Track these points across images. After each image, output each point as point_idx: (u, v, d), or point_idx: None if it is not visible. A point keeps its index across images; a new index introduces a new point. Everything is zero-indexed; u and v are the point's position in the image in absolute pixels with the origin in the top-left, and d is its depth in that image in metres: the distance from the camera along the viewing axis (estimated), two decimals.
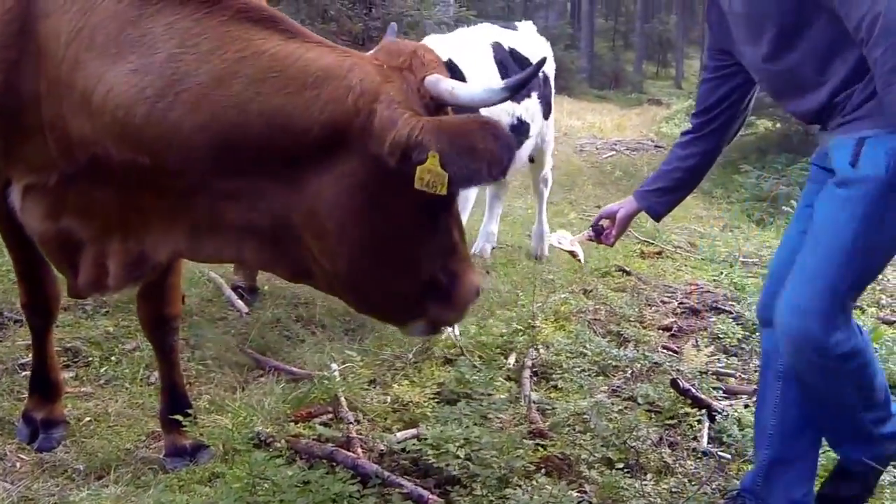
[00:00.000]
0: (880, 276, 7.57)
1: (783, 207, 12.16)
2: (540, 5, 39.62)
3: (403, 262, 3.51)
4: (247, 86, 3.18)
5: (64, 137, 3.52)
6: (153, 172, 3.38)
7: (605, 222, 4.97)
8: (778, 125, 16.03)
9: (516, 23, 9.04)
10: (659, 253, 10.11)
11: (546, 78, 8.72)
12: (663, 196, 4.86)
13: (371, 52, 3.68)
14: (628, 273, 9.03)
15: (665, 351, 6.87)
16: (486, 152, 3.12)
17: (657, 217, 4.99)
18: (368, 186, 3.27)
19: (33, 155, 3.69)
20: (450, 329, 6.34)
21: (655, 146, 19.94)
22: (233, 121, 3.19)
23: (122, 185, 3.53)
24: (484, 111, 3.83)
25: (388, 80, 3.26)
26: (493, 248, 9.83)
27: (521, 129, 7.76)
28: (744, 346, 7.17)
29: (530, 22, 9.36)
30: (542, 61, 3.44)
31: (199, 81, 3.19)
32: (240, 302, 7.27)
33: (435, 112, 3.33)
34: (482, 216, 9.56)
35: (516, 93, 3.39)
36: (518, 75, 3.39)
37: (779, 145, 15.94)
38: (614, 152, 19.05)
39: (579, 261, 5.21)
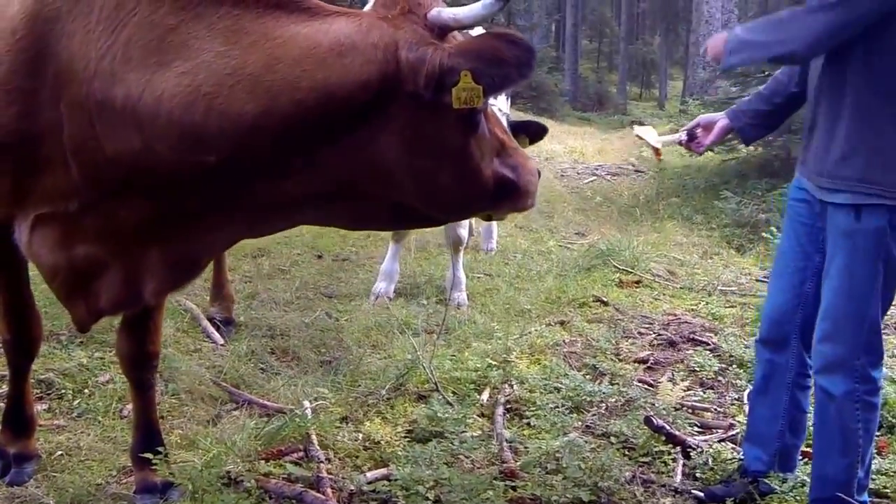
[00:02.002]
0: None
1: (763, 234, 12.11)
2: (524, 28, 39.59)
3: (469, 173, 3.71)
4: (292, 67, 3.37)
5: (92, 161, 3.55)
6: (215, 171, 3.49)
7: (699, 131, 5.19)
8: (759, 149, 16.01)
9: None
10: (638, 282, 10.02)
11: None
12: (756, 119, 5.08)
13: (368, 7, 3.95)
14: (606, 303, 8.95)
15: (641, 384, 6.81)
16: (513, 58, 3.42)
17: (747, 141, 5.47)
18: (417, 126, 3.53)
19: (50, 186, 3.71)
20: (424, 362, 6.35)
21: (636, 171, 19.90)
22: (288, 100, 3.35)
23: (166, 195, 3.61)
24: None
25: (399, 28, 3.48)
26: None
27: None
28: (720, 378, 7.12)
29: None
30: None
31: (250, 72, 3.35)
32: (216, 333, 7.25)
33: (444, 41, 3.54)
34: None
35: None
36: None
37: (760, 170, 15.95)
38: (595, 177, 19.03)
39: (659, 159, 5.57)
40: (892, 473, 5.42)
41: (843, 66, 4.34)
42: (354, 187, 3.64)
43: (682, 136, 5.21)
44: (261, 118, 3.34)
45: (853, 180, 4.31)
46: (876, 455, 5.20)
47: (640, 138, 5.34)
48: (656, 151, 5.24)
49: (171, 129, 3.37)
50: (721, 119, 5.10)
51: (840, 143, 4.36)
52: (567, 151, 21.86)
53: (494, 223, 10.98)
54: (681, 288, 10.04)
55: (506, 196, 3.90)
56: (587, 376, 6.86)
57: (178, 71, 3.35)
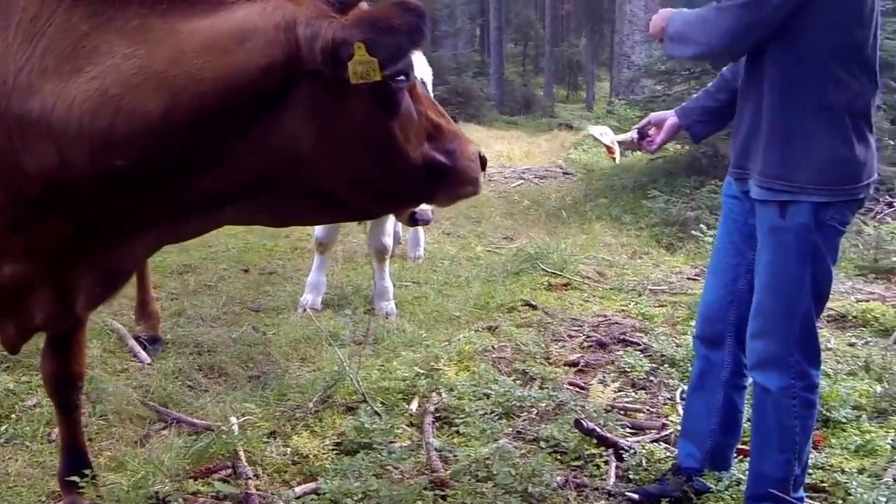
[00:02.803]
0: None
1: (692, 232, 12.16)
2: (447, 34, 39.63)
3: (393, 158, 3.61)
4: (194, 59, 3.26)
5: (13, 177, 3.45)
6: (129, 176, 3.39)
7: (651, 129, 5.22)
8: (686, 148, 16.08)
9: None
10: (566, 284, 9.98)
11: (424, 83, 8.93)
12: (704, 116, 5.09)
13: None
14: (534, 307, 8.92)
15: (571, 388, 6.77)
16: (403, 25, 3.27)
17: (696, 138, 5.33)
18: (329, 108, 3.43)
19: None
20: (352, 374, 6.32)
21: (564, 173, 19.92)
22: (192, 94, 3.25)
23: (87, 207, 3.52)
24: None
25: (300, 4, 3.38)
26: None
27: None
28: (652, 378, 7.11)
29: None
30: None
31: (154, 70, 3.25)
32: (142, 352, 7.19)
33: (348, 15, 3.44)
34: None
35: None
36: None
37: (688, 168, 15.98)
38: (522, 181, 19.01)
39: (614, 158, 5.35)
40: (828, 468, 5.46)
41: (761, 66, 4.37)
42: (274, 178, 3.56)
43: (634, 134, 5.23)
44: (166, 115, 3.26)
45: (777, 178, 4.34)
46: (813, 449, 5.21)
47: (594, 137, 5.33)
48: (609, 150, 5.24)
49: (82, 137, 3.28)
50: (671, 117, 5.13)
51: (763, 142, 4.39)
52: (494, 156, 21.84)
53: (421, 231, 10.98)
54: (610, 289, 10.01)
55: (441, 182, 3.82)
56: (517, 381, 6.82)
57: (88, 76, 3.27)
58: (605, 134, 5.25)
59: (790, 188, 4.30)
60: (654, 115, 5.24)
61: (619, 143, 5.28)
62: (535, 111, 43.17)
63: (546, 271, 10.37)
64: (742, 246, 4.72)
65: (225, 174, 3.47)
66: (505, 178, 19.36)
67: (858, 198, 4.42)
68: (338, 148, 3.49)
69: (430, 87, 9.29)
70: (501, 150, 23.27)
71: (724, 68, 5.12)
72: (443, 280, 10.11)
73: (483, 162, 3.97)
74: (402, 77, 3.48)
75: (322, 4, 3.40)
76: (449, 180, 3.82)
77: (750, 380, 4.87)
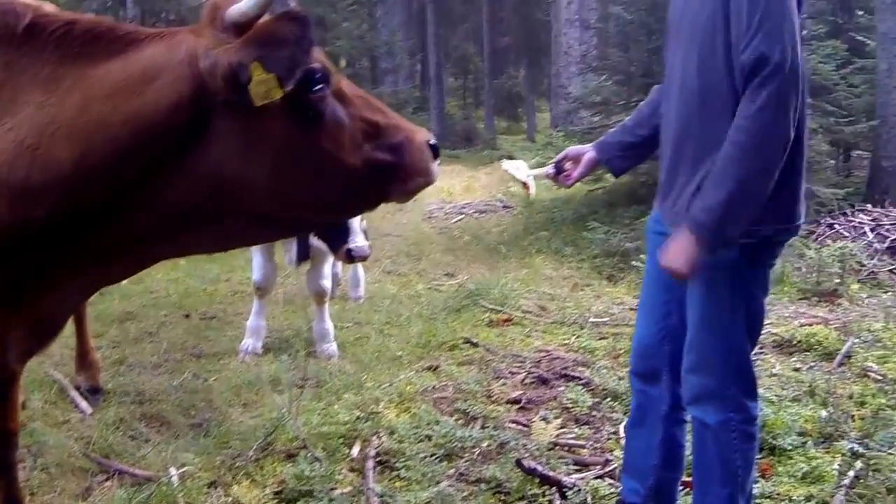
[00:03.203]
0: None
1: (633, 262, 12.22)
2: (387, 70, 39.65)
3: (328, 168, 3.57)
4: (104, 103, 3.24)
5: None
6: (51, 224, 3.33)
7: (567, 164, 5.11)
8: (625, 178, 16.16)
9: None
10: (508, 320, 9.99)
11: None
12: (623, 151, 5.02)
13: None
14: (475, 345, 8.91)
15: (514, 426, 6.76)
16: (289, 34, 3.27)
17: (616, 173, 5.28)
18: (248, 132, 3.37)
19: None
20: (291, 420, 6.28)
21: (504, 207, 19.93)
22: (104, 139, 3.23)
23: (14, 258, 3.44)
24: None
25: (201, 36, 3.36)
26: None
27: None
28: (595, 413, 7.09)
29: None
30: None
31: (66, 117, 3.22)
32: (83, 402, 7.11)
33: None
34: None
35: None
36: None
37: (628, 197, 16.08)
38: (463, 216, 19.04)
39: (529, 194, 5.26)
40: (775, 496, 5.51)
41: (690, 108, 4.33)
42: (206, 209, 3.50)
43: (550, 169, 5.15)
44: (81, 162, 3.23)
45: None
46: (759, 478, 5.24)
47: (509, 173, 5.27)
48: (525, 186, 5.14)
49: (1, 188, 3.26)
50: (589, 151, 5.05)
51: (689, 181, 4.33)
52: (434, 192, 21.86)
53: (361, 271, 10.96)
54: (552, 323, 10.01)
55: (391, 181, 3.74)
56: (459, 421, 6.80)
57: (6, 128, 3.25)
58: (519, 169, 5.18)
59: None
60: (570, 150, 5.16)
61: (535, 177, 5.23)
62: (476, 144, 43.18)
63: (487, 307, 10.37)
64: (671, 281, 4.57)
65: (151, 212, 3.43)
66: (445, 213, 19.39)
67: (791, 233, 4.42)
68: (268, 171, 3.43)
69: None
70: (442, 185, 23.21)
71: (642, 103, 5.10)
72: (384, 320, 10.09)
73: (435, 150, 3.86)
74: (320, 85, 3.44)
75: (219, 32, 3.37)
76: (399, 176, 3.74)
77: (689, 414, 4.84)
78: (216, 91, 3.26)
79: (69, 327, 6.38)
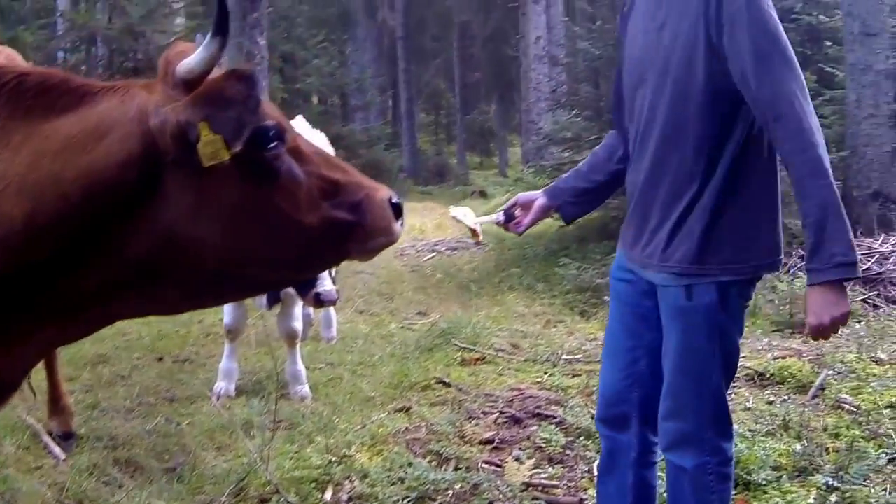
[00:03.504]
0: None
1: (605, 298, 12.24)
2: (358, 107, 39.73)
3: (283, 227, 3.51)
4: (55, 160, 3.19)
5: None
6: (2, 282, 3.30)
7: (517, 211, 4.94)
8: (595, 213, 16.21)
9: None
10: (480, 358, 10.01)
11: None
12: (576, 197, 4.90)
13: None
14: (448, 385, 8.91)
15: (487, 466, 6.76)
16: (235, 94, 3.20)
17: (567, 219, 5.14)
18: (200, 191, 3.31)
19: None
20: (263, 466, 6.26)
21: (476, 244, 19.95)
22: (55, 195, 3.18)
23: None
24: None
25: (153, 93, 3.33)
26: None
27: None
28: (568, 451, 7.09)
29: (301, 116, 9.98)
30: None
31: (16, 172, 3.18)
32: (56, 448, 7.05)
33: None
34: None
35: (223, 32, 3.32)
36: (214, 18, 3.36)
37: (599, 232, 16.13)
38: (435, 253, 19.07)
39: (478, 242, 5.28)
40: None
41: (665, 145, 4.29)
42: (160, 268, 3.43)
43: (500, 216, 4.99)
44: (31, 218, 3.19)
45: (685, 262, 4.24)
46: None
47: (457, 220, 5.15)
48: (473, 233, 5.06)
49: None
50: (539, 198, 4.91)
51: (662, 223, 4.31)
52: (406, 230, 21.85)
53: (333, 311, 10.97)
54: (525, 360, 10.03)
55: (351, 239, 3.69)
56: (432, 463, 6.78)
57: None
58: (467, 215, 5.07)
59: (699, 271, 4.25)
60: (521, 196, 5.02)
61: (484, 224, 5.11)
62: (448, 180, 43.29)
63: (459, 346, 10.38)
64: (637, 327, 4.63)
65: (103, 269, 3.38)
66: (417, 251, 19.42)
67: (773, 267, 4.42)
68: (221, 229, 3.39)
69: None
70: (414, 223, 23.26)
71: (598, 147, 5.04)
72: (357, 360, 10.09)
73: (397, 208, 3.80)
74: (275, 143, 3.39)
75: (169, 89, 3.35)
76: (359, 235, 3.69)
77: (660, 455, 4.80)
78: (166, 149, 3.23)
79: (41, 371, 6.38)
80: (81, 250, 3.32)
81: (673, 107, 4.21)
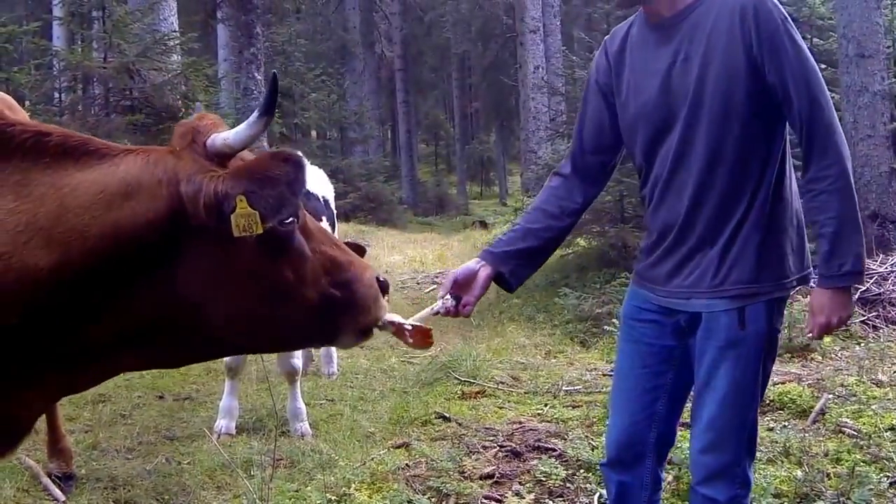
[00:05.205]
0: None
1: (605, 327, 12.24)
2: (356, 140, 39.81)
3: (286, 301, 3.59)
4: (81, 215, 3.25)
5: None
6: (20, 332, 3.33)
7: (459, 290, 4.48)
8: (594, 242, 16.26)
9: None
10: (480, 392, 10.01)
11: (327, 200, 9.41)
12: (523, 259, 4.59)
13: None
14: (448, 419, 8.91)
15: (487, 502, 6.75)
16: (282, 175, 3.32)
17: (512, 288, 4.70)
18: (217, 258, 3.41)
19: None
20: None
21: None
22: (80, 249, 3.23)
23: None
24: None
25: (181, 159, 3.40)
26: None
27: None
28: (569, 484, 7.07)
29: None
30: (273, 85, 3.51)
31: (41, 226, 3.22)
32: (56, 490, 7.03)
33: (226, 168, 3.46)
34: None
35: (270, 113, 3.46)
36: (263, 98, 3.49)
37: (598, 261, 16.10)
38: (436, 286, 18.95)
39: (430, 342, 4.17)
40: None
41: (709, 171, 4.24)
42: (167, 326, 3.51)
43: (447, 303, 4.45)
44: (57, 271, 3.23)
45: (741, 284, 4.19)
46: None
47: (391, 329, 4.05)
48: (405, 333, 4.07)
49: None
50: (481, 269, 4.51)
51: (720, 249, 4.23)
52: (407, 262, 21.89)
53: (333, 347, 10.96)
54: (525, 393, 10.03)
55: (342, 314, 3.77)
56: (432, 500, 6.77)
57: None
58: (401, 321, 4.11)
59: (754, 291, 4.21)
60: (458, 273, 4.54)
61: (423, 318, 4.30)
62: (449, 210, 43.35)
63: (459, 379, 10.39)
64: (659, 368, 4.54)
65: (115, 324, 3.43)
66: (418, 283, 19.39)
67: (807, 280, 4.45)
68: (229, 294, 3.48)
69: (332, 204, 9.43)
70: (414, 254, 23.30)
71: (540, 202, 4.76)
72: (357, 395, 10.09)
73: (384, 286, 3.92)
74: (290, 219, 3.48)
75: (201, 158, 3.42)
76: (349, 311, 3.78)
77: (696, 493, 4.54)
78: (194, 215, 3.31)
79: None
80: (97, 304, 3.38)
81: (714, 133, 4.18)
